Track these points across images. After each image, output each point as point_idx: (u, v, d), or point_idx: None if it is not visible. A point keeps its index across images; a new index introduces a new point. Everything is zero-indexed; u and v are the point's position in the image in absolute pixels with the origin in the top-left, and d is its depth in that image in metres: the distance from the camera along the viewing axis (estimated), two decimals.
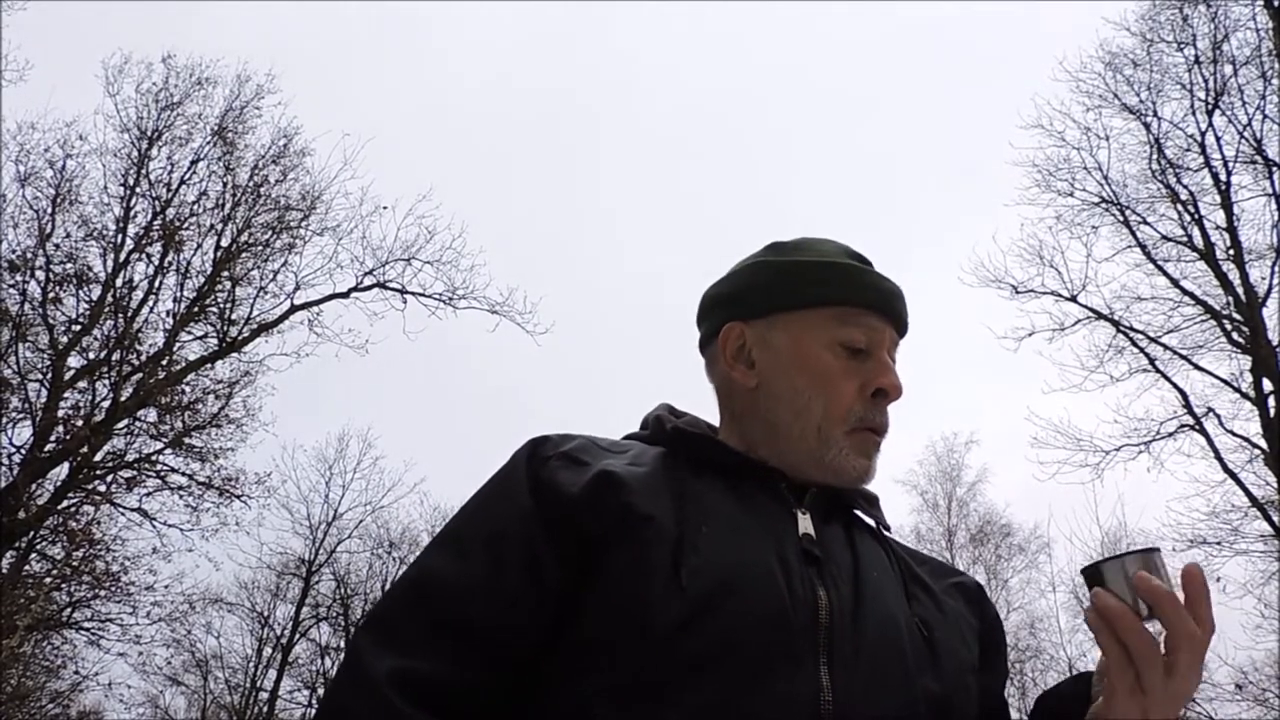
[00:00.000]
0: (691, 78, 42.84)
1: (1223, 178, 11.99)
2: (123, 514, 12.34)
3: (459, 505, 1.00)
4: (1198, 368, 11.82)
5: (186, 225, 13.34)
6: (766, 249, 1.13)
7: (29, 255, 12.20)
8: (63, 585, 11.93)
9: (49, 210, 12.52)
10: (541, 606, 0.88)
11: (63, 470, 11.76)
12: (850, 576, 0.93)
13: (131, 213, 13.03)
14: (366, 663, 0.85)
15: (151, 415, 12.64)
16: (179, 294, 13.12)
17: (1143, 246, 12.37)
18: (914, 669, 0.89)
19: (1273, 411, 11.01)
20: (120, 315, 12.57)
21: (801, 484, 1.00)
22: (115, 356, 12.26)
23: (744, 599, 0.85)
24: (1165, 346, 12.05)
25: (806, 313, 1.04)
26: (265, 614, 19.10)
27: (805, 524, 0.95)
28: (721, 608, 0.83)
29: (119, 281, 12.72)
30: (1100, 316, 12.39)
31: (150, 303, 12.95)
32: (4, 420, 11.48)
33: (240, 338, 13.40)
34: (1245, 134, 11.94)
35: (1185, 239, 12.21)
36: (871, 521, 1.07)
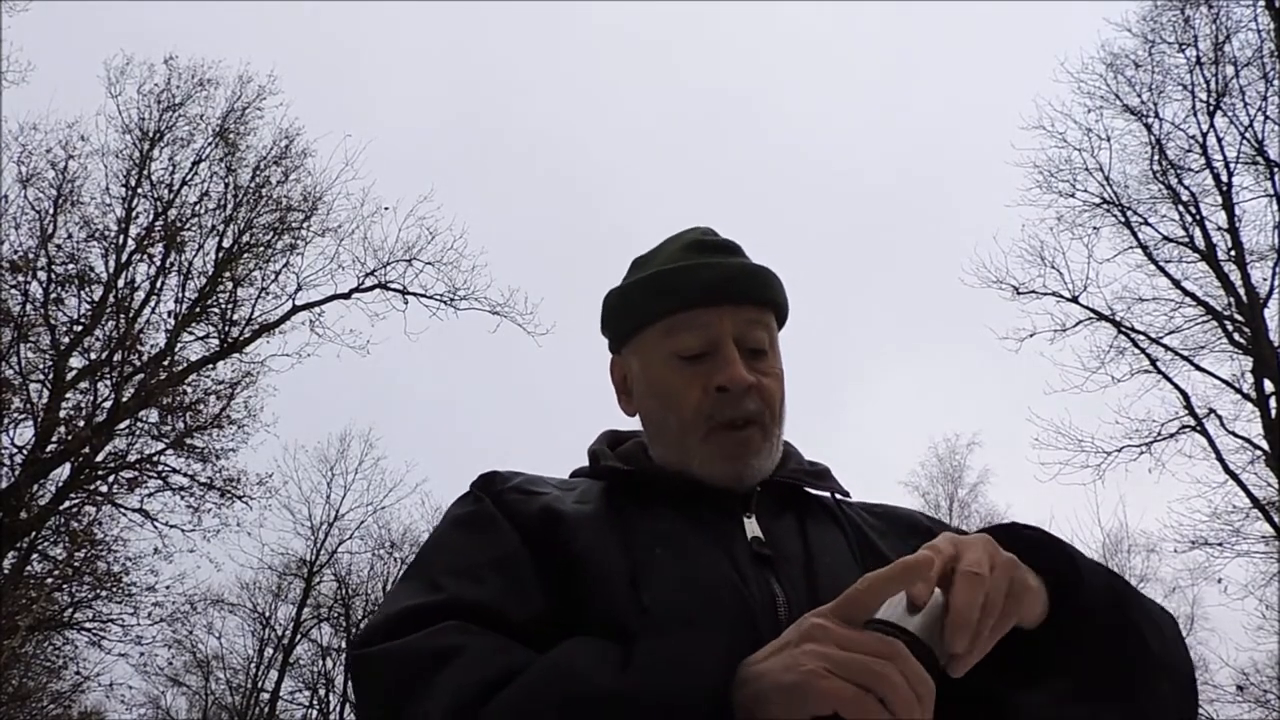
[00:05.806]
0: (694, 77, 42.87)
1: (1224, 179, 12.02)
2: (124, 515, 12.38)
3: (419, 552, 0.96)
4: (1199, 369, 11.84)
5: (188, 226, 13.38)
6: (628, 269, 1.15)
7: (31, 256, 12.23)
8: (64, 586, 11.96)
9: (51, 211, 12.57)
10: (558, 622, 0.86)
11: (64, 471, 11.80)
12: (802, 567, 0.94)
13: (133, 213, 13.10)
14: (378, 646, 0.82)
15: (153, 416, 12.69)
16: (180, 294, 13.18)
17: (1144, 247, 12.40)
18: None
19: (1274, 412, 11.01)
20: (122, 316, 12.60)
21: (747, 489, 1.01)
22: (117, 357, 12.28)
23: (709, 613, 0.84)
24: (1166, 347, 12.08)
25: (645, 332, 1.07)
26: (266, 615, 19.15)
27: (752, 527, 0.97)
28: (690, 625, 0.82)
29: (121, 282, 12.76)
30: (1102, 317, 12.41)
31: (152, 303, 13.02)
32: (6, 421, 11.49)
33: (242, 338, 13.42)
34: (1247, 135, 11.97)
35: (1187, 240, 12.23)
36: (826, 494, 1.07)
